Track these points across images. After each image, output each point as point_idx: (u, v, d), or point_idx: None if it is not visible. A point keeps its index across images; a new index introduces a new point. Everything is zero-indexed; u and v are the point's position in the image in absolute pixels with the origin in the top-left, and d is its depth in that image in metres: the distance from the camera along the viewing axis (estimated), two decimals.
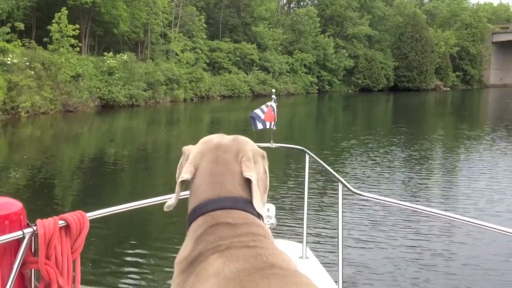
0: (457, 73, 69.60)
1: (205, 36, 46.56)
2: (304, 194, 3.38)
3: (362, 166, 13.20)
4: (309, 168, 3.28)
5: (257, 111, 3.88)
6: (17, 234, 1.70)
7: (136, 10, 36.80)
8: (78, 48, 30.13)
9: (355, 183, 10.58)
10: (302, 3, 63.66)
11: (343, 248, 2.59)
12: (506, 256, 6.82)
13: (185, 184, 1.28)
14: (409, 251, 7.05)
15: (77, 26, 30.24)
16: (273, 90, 4.83)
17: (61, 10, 30.03)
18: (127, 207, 2.21)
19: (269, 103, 3.90)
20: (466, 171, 13.25)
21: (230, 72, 45.56)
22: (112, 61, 32.03)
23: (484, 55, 73.14)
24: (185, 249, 1.18)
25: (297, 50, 52.68)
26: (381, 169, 12.95)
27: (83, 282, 1.91)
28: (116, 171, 12.75)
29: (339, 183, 2.72)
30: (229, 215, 1.18)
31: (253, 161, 1.27)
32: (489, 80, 75.31)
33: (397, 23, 64.00)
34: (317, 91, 53.59)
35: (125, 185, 11.60)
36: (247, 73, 46.86)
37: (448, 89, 66.49)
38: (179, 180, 1.26)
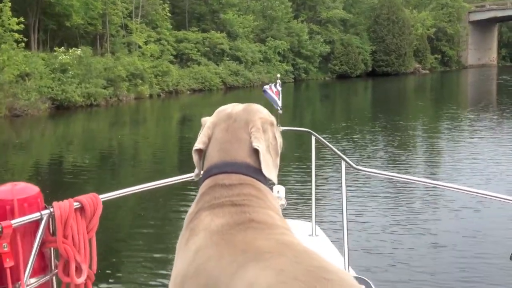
0: (435, 55, 67.61)
1: (171, 26, 43.31)
2: (311, 175, 3.51)
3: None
4: (316, 148, 3.46)
5: (268, 90, 3.82)
6: (35, 215, 1.84)
7: (90, 0, 33.29)
8: (23, 44, 26.67)
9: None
10: None
11: (347, 223, 2.77)
12: None
13: (201, 153, 1.42)
14: (411, 222, 7.47)
15: (22, 19, 26.75)
16: (278, 75, 4.81)
17: (3, 1, 26.52)
18: (140, 188, 2.39)
19: (275, 86, 3.81)
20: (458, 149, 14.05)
21: (199, 64, 42.43)
22: (64, 57, 28.61)
23: (462, 35, 71.34)
24: (191, 208, 1.36)
25: (269, 38, 49.75)
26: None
27: (99, 260, 2.02)
28: (75, 181, 11.45)
29: (342, 161, 2.93)
30: (228, 177, 1.32)
31: (263, 130, 1.38)
32: (467, 60, 73.54)
33: (372, 5, 61.43)
34: (293, 80, 50.81)
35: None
36: (217, 64, 43.80)
37: (427, 71, 64.50)
38: (193, 149, 1.41)
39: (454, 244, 6.63)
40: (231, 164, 1.34)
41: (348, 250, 2.67)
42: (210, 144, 1.39)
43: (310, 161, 3.54)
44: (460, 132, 17.20)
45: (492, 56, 77.75)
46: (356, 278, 2.34)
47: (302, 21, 54.77)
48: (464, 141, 15.38)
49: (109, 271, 6.12)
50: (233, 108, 1.44)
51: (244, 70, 45.07)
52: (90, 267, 1.99)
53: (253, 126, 1.37)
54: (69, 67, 28.61)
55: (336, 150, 3.25)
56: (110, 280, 5.98)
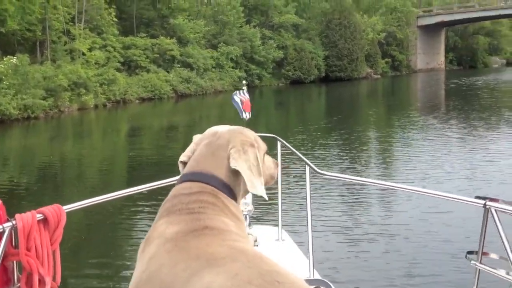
0: (386, 59, 67.85)
1: (117, 32, 41.05)
2: (277, 180, 3.33)
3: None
4: (281, 154, 3.50)
5: (236, 98, 3.83)
6: None
7: (26, 4, 30.75)
8: None
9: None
10: None
11: (312, 227, 2.92)
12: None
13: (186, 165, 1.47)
14: (372, 224, 7.76)
15: None
16: (244, 82, 4.65)
17: None
18: (105, 198, 2.42)
19: (243, 93, 3.82)
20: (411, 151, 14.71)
21: (148, 71, 40.36)
22: None
23: (411, 40, 72.02)
24: None
25: (221, 43, 48.17)
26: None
27: (63, 272, 2.02)
28: (13, 200, 10.41)
29: (306, 166, 3.06)
30: (189, 185, 1.35)
31: (243, 151, 1.41)
32: (416, 64, 74.26)
33: (324, 9, 60.88)
34: (246, 87, 49.26)
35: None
36: (168, 71, 41.83)
37: (379, 76, 64.56)
38: (179, 161, 1.49)
39: (413, 245, 6.96)
40: (197, 174, 1.37)
41: (312, 253, 2.78)
42: (192, 156, 1.44)
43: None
44: (412, 136, 17.86)
45: (440, 60, 79.03)
46: (319, 281, 2.52)
47: (254, 26, 53.52)
48: (417, 144, 15.99)
49: (74, 283, 6.12)
50: (221, 127, 1.49)
51: (196, 77, 43.31)
52: (54, 279, 1.98)
53: (233, 146, 1.40)
54: (3, 77, 26.11)
55: (300, 155, 3.33)
56: None
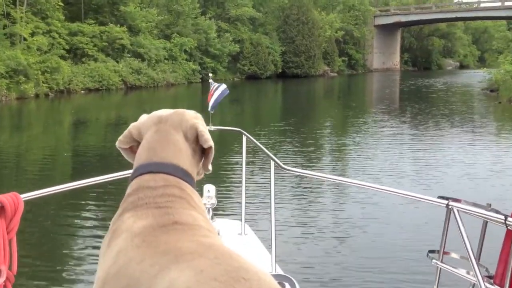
0: (343, 58, 67.61)
1: (63, 17, 38.55)
2: (242, 174, 3.53)
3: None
4: (246, 148, 3.52)
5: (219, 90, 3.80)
6: None
7: None
8: None
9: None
10: None
11: (275, 222, 2.92)
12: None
13: (129, 151, 1.44)
14: (335, 220, 8.02)
15: None
16: (210, 74, 4.60)
17: None
18: (66, 187, 2.45)
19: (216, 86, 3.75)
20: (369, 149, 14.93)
21: (96, 60, 38.23)
22: None
23: (367, 39, 72.09)
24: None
25: (175, 34, 46.35)
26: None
27: (20, 262, 1.99)
28: None
29: (271, 161, 3.11)
30: (153, 178, 1.30)
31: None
32: (372, 64, 74.49)
33: (282, 4, 59.80)
34: (200, 80, 47.83)
35: None
36: (117, 61, 39.77)
37: (336, 74, 64.23)
38: (118, 146, 1.44)
39: (374, 242, 7.08)
40: (157, 164, 1.32)
41: (275, 248, 2.79)
42: (140, 145, 1.39)
43: (241, 161, 3.57)
44: (368, 134, 18.06)
45: (396, 60, 79.63)
46: (281, 276, 2.44)
47: (210, 18, 51.89)
48: (376, 144, 16.02)
49: (31, 272, 6.08)
50: (163, 111, 1.44)
51: (147, 68, 41.41)
52: (10, 268, 1.94)
53: (197, 127, 1.39)
54: None
55: (266, 150, 3.32)
56: (32, 281, 5.98)
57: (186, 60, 46.72)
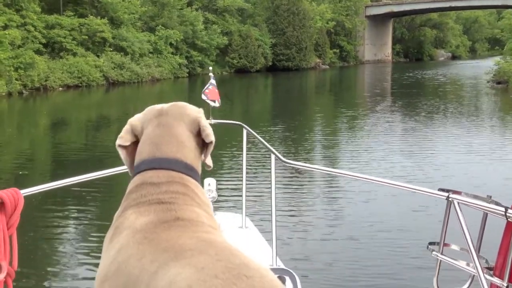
0: (334, 49, 65.62)
1: (39, 9, 36.13)
2: (242, 168, 3.54)
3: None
4: (246, 142, 3.51)
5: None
6: None
7: None
8: None
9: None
10: None
11: (276, 215, 2.93)
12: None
13: (127, 150, 1.38)
14: (336, 213, 8.05)
15: None
16: (210, 68, 4.44)
17: None
18: (65, 183, 2.40)
19: (212, 82, 3.70)
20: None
21: (75, 54, 35.90)
22: None
23: (359, 30, 70.20)
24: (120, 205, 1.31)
25: (160, 26, 44.05)
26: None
27: (20, 257, 1.98)
28: None
29: (272, 154, 3.13)
30: (156, 174, 1.28)
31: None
32: (364, 55, 72.63)
33: None
34: (187, 75, 45.61)
35: None
36: (98, 56, 37.50)
37: (327, 66, 62.27)
38: (117, 146, 1.38)
39: (375, 235, 7.07)
40: (160, 160, 1.30)
41: (276, 241, 2.80)
42: (141, 140, 1.35)
43: (241, 154, 3.56)
44: (368, 127, 18.02)
45: (387, 51, 77.87)
46: (282, 270, 2.48)
47: (196, 9, 49.59)
48: (374, 137, 15.99)
49: (31, 268, 6.09)
50: (163, 105, 1.42)
51: (131, 63, 39.12)
52: (10, 264, 1.93)
53: (199, 121, 1.37)
54: None
55: (266, 143, 3.36)
56: (33, 277, 5.96)
57: (172, 53, 44.51)
